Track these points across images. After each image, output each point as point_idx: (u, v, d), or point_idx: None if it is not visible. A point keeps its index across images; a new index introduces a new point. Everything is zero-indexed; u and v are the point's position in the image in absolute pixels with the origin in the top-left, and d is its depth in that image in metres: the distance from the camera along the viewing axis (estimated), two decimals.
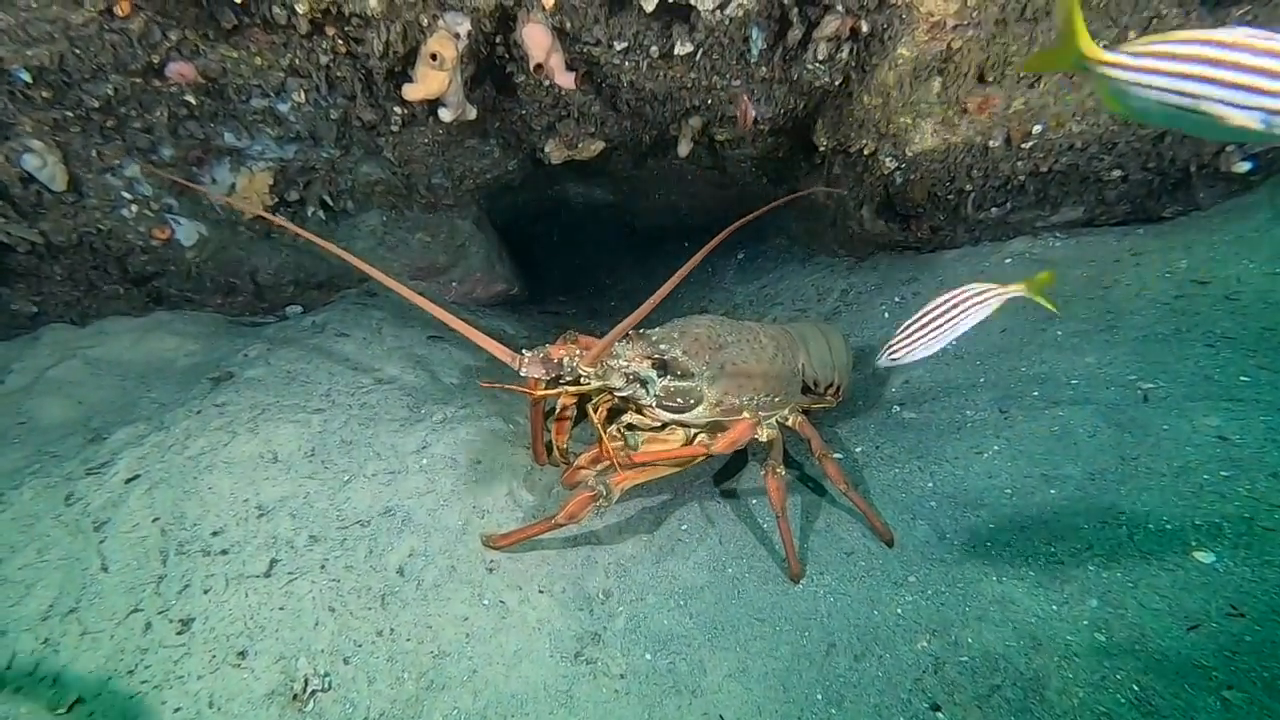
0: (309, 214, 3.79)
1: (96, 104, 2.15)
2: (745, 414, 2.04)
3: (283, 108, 2.84)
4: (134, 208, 2.68)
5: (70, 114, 2.15)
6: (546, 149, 3.83)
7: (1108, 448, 2.13)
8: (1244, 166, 2.39)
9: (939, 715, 1.63)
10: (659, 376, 1.93)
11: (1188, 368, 2.25)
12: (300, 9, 1.79)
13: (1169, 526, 1.80)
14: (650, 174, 5.13)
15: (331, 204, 3.83)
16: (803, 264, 4.75)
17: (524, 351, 1.91)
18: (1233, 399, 2.07)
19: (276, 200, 3.51)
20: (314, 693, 1.73)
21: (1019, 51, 2.14)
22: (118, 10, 1.73)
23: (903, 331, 1.67)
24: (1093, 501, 1.99)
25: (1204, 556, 1.70)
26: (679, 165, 4.55)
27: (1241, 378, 2.13)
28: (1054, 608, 1.76)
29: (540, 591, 2.00)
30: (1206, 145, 2.37)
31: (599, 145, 3.87)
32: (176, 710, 1.65)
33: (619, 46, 2.56)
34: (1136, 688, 1.54)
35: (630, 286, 6.39)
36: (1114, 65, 0.97)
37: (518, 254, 5.30)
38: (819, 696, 1.74)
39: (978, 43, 2.15)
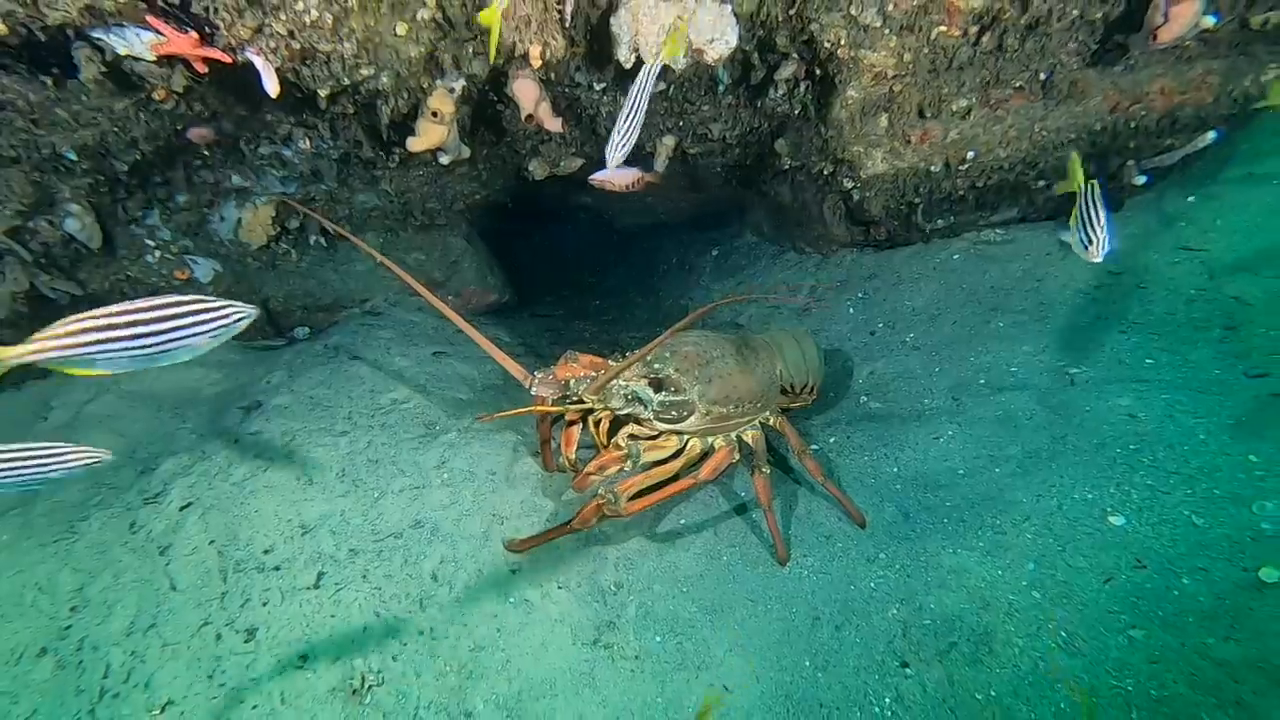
0: (310, 241, 3.92)
1: (126, 168, 2.28)
2: (732, 421, 2.26)
3: (287, 153, 2.97)
4: (157, 253, 2.81)
5: (103, 178, 2.27)
6: (531, 167, 3.98)
7: (1042, 429, 2.39)
8: (1141, 180, 2.67)
9: (907, 670, 1.87)
10: (655, 393, 2.14)
11: (1105, 353, 2.51)
12: (322, 92, 1.93)
13: (1090, 496, 2.06)
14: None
15: (330, 230, 3.96)
16: (773, 260, 4.95)
17: (535, 373, 2.13)
18: (1139, 380, 2.33)
19: (279, 229, 3.64)
20: (370, 688, 1.92)
21: (951, 91, 2.37)
22: (156, 96, 1.87)
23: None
24: (1030, 477, 2.24)
25: (1116, 520, 1.96)
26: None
27: (1147, 360, 2.39)
28: (999, 573, 2.00)
29: (559, 588, 2.20)
30: (1111, 161, 2.64)
31: (579, 162, 4.03)
32: (254, 708, 1.84)
33: (599, 87, 2.73)
34: (1064, 634, 1.79)
35: (613, 285, 6.55)
36: None
37: (504, 260, 5.44)
38: (807, 663, 1.97)
39: (916, 86, 2.37)
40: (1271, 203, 2.54)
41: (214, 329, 1.39)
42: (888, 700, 1.83)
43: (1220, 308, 2.50)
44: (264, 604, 2.07)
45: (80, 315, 1.30)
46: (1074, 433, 2.31)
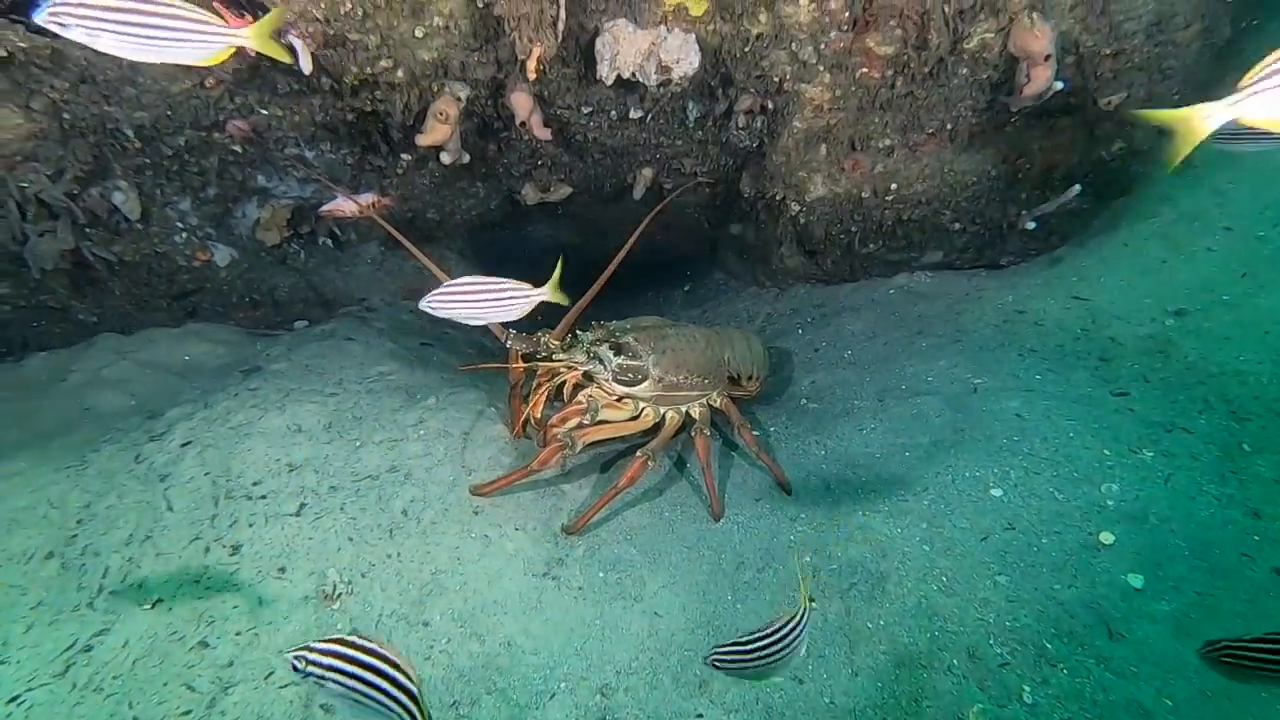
0: (319, 243, 4.16)
1: (170, 152, 2.53)
2: (681, 393, 2.50)
3: (309, 154, 3.25)
4: (184, 235, 3.03)
5: (149, 160, 2.52)
6: (523, 191, 4.30)
7: (947, 424, 2.66)
8: (1031, 225, 3.07)
9: (813, 603, 2.08)
10: (615, 356, 2.39)
11: (1004, 369, 2.83)
12: (347, 80, 2.22)
13: (978, 474, 2.31)
14: (608, 218, 5.63)
15: (339, 235, 4.21)
16: (737, 294, 5.30)
17: (511, 331, 2.39)
18: (1029, 389, 2.64)
19: (292, 231, 3.88)
20: (340, 595, 2.08)
21: (877, 129, 2.76)
22: (207, 83, 2.13)
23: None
24: (933, 460, 2.49)
25: (996, 492, 2.22)
26: (634, 208, 5.06)
27: (1036, 376, 2.71)
28: (898, 530, 2.23)
29: (516, 529, 2.38)
30: (1009, 210, 3.04)
31: (567, 190, 4.36)
32: (234, 607, 1.99)
33: (585, 111, 3.06)
34: (945, 579, 2.02)
35: (592, 312, 6.85)
36: None
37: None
38: (729, 597, 2.17)
39: (848, 121, 2.74)
40: (1143, 265, 2.99)
41: None
42: None
43: (1099, 345, 2.86)
44: (250, 525, 2.23)
45: None
46: (972, 427, 2.58)
